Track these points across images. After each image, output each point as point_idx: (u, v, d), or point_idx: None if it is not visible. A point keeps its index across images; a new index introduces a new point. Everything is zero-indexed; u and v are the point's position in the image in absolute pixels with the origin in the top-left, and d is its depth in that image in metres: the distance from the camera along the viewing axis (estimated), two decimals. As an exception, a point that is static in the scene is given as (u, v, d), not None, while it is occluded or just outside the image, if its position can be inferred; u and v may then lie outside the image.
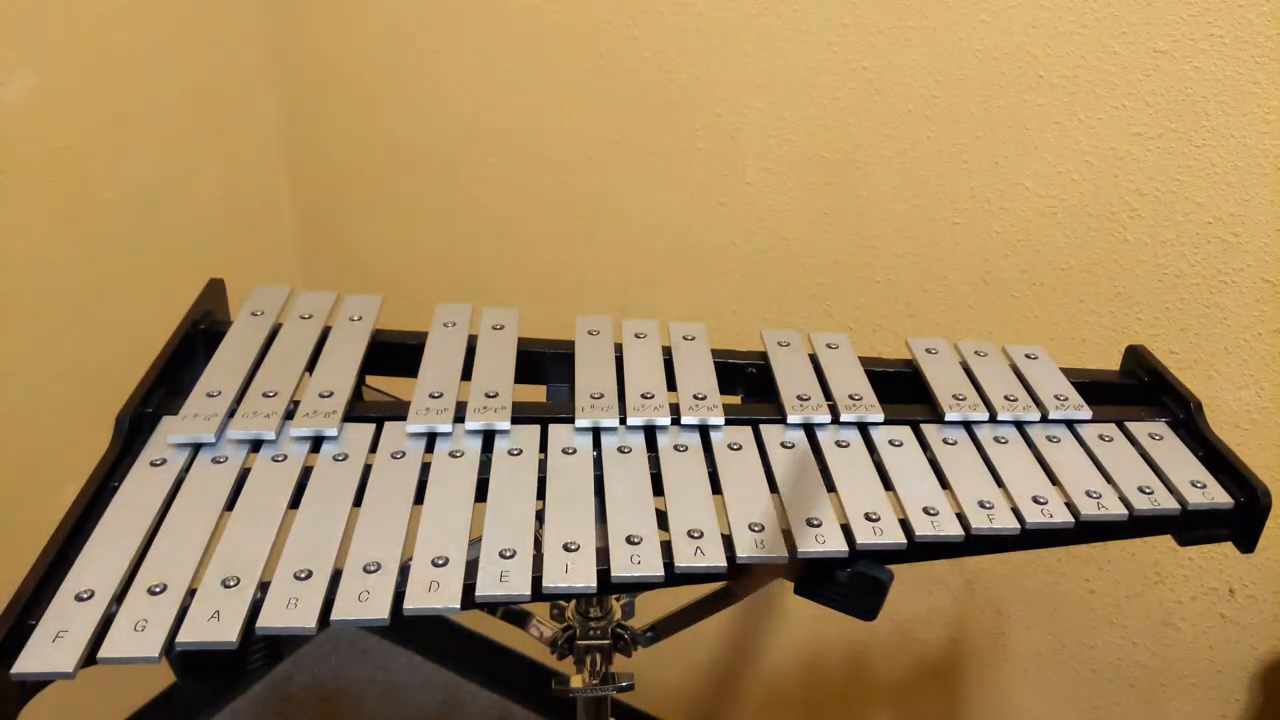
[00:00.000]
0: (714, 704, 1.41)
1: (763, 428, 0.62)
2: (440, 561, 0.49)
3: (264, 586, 0.48)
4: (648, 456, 0.59)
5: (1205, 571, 1.00)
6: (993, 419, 0.64)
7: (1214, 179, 0.87)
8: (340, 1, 1.27)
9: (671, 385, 0.65)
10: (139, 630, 0.45)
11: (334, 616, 0.46)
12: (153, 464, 0.55)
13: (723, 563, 0.51)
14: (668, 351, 0.68)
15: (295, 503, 0.53)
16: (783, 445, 0.61)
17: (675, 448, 0.60)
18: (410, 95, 1.28)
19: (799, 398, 0.64)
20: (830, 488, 0.58)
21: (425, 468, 0.57)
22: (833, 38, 0.99)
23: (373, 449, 0.58)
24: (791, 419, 0.62)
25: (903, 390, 0.68)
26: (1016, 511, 0.57)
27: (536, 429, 0.60)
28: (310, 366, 0.64)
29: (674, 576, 0.51)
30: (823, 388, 0.65)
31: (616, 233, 1.20)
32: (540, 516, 0.54)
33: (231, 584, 0.47)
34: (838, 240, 1.07)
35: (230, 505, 0.53)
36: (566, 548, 0.51)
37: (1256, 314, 0.90)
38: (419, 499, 0.55)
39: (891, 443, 0.62)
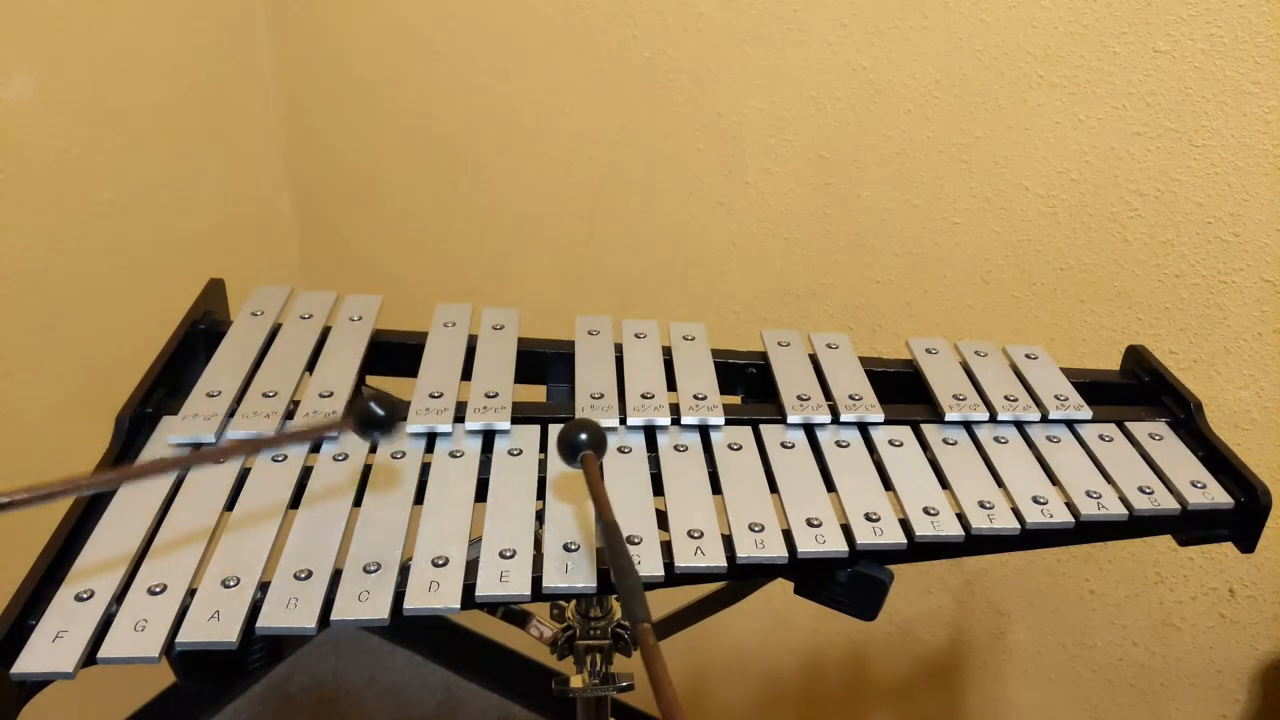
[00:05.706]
0: (714, 704, 1.41)
1: (763, 428, 0.62)
2: (440, 561, 0.49)
3: (264, 586, 0.48)
4: (648, 456, 0.59)
5: (1205, 571, 1.00)
6: (993, 419, 0.64)
7: (1214, 179, 0.87)
8: (340, 1, 1.27)
9: (671, 385, 0.65)
10: (139, 630, 0.45)
11: (334, 616, 0.46)
12: (153, 464, 0.55)
13: (723, 563, 0.51)
14: (668, 351, 0.68)
15: (295, 503, 0.53)
16: (783, 445, 0.61)
17: (675, 448, 0.59)
18: (410, 95, 1.28)
19: (799, 398, 0.64)
20: (830, 488, 0.58)
21: (425, 468, 0.57)
22: (833, 38, 0.99)
23: (373, 449, 0.58)
24: (791, 419, 0.62)
25: (903, 390, 0.68)
26: (1016, 511, 0.57)
27: (536, 429, 0.60)
28: (310, 366, 0.64)
29: (674, 576, 0.51)
30: (823, 388, 0.65)
31: (616, 233, 1.20)
32: (540, 516, 0.54)
33: (231, 584, 0.47)
34: (838, 240, 1.07)
35: (230, 505, 0.53)
36: (566, 548, 0.51)
37: (1256, 314, 0.89)
38: (419, 499, 0.55)
39: (891, 443, 0.62)
